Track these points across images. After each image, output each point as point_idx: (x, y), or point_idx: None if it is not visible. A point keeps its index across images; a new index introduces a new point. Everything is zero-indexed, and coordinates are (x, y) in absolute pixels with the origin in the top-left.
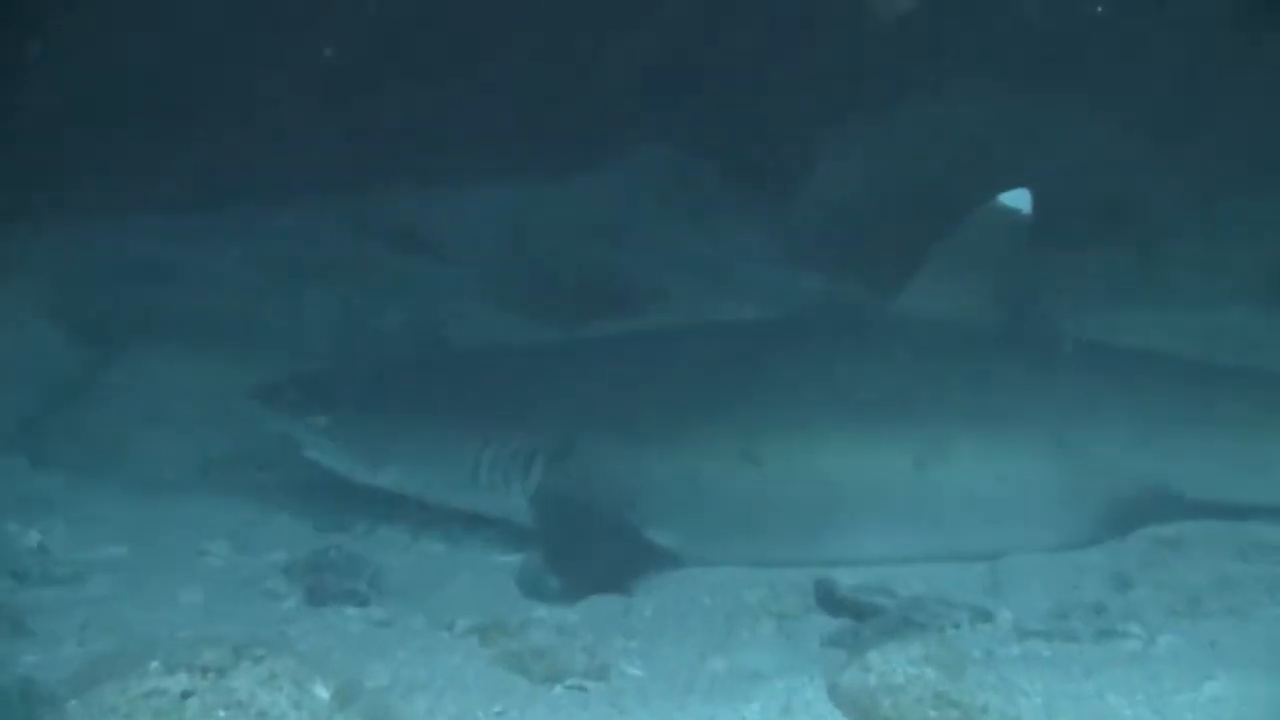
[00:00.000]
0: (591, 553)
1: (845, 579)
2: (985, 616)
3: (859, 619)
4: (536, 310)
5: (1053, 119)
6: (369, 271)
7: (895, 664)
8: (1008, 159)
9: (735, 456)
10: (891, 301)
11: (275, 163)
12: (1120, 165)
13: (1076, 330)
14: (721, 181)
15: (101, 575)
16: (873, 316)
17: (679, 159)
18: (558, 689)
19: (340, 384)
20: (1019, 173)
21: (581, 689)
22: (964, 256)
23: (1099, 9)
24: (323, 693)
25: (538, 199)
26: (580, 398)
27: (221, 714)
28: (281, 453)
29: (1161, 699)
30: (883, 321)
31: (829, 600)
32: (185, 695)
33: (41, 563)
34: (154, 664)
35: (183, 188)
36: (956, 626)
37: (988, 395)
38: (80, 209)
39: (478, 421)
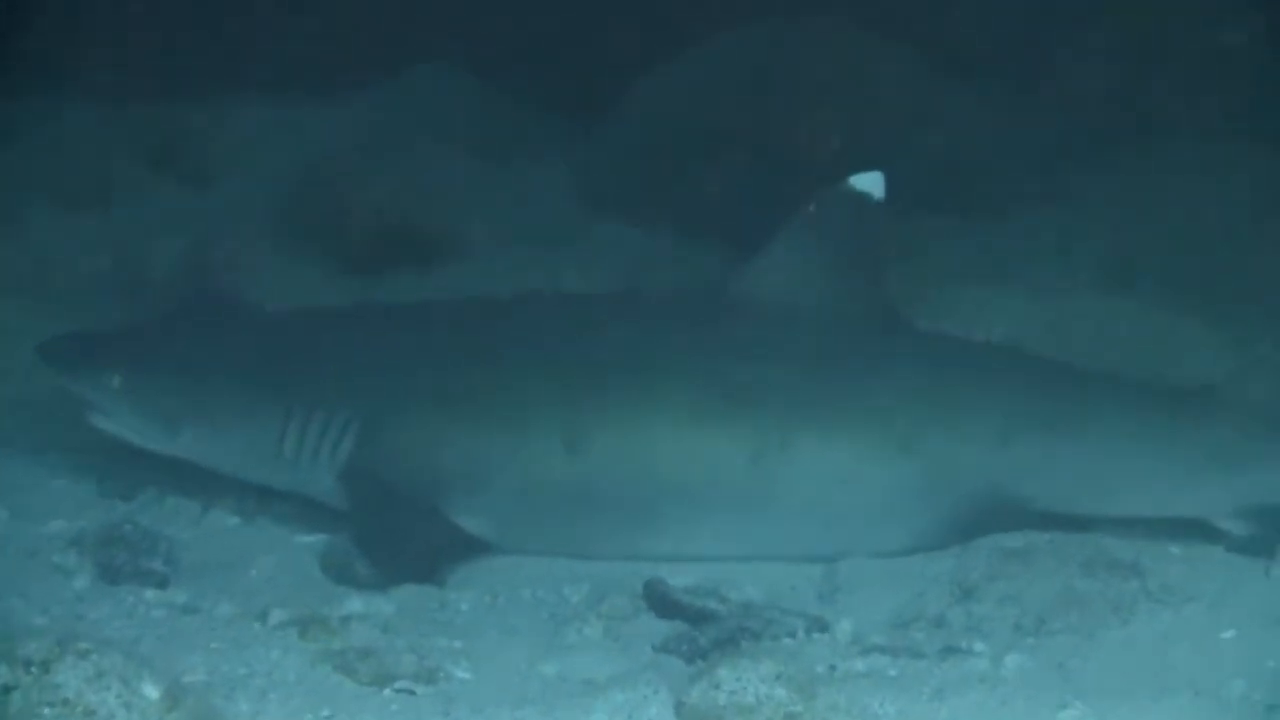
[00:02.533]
0: (402, 538)
1: (675, 579)
2: (822, 626)
3: (692, 624)
4: (323, 254)
5: (882, 65)
6: (132, 199)
7: (746, 682)
8: (829, 106)
9: (560, 440)
10: (731, 281)
11: (25, 61)
12: (958, 124)
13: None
14: (515, 109)
15: None
16: (711, 296)
17: (465, 81)
18: (386, 692)
19: (134, 342)
20: (842, 122)
21: (410, 693)
22: (810, 238)
23: None
24: (152, 692)
25: (311, 121)
26: (395, 369)
27: (47, 711)
28: (55, 407)
29: None
30: (721, 303)
31: (660, 603)
32: (7, 690)
33: None
34: None
35: None
36: (792, 635)
37: (831, 387)
38: None
39: (284, 389)
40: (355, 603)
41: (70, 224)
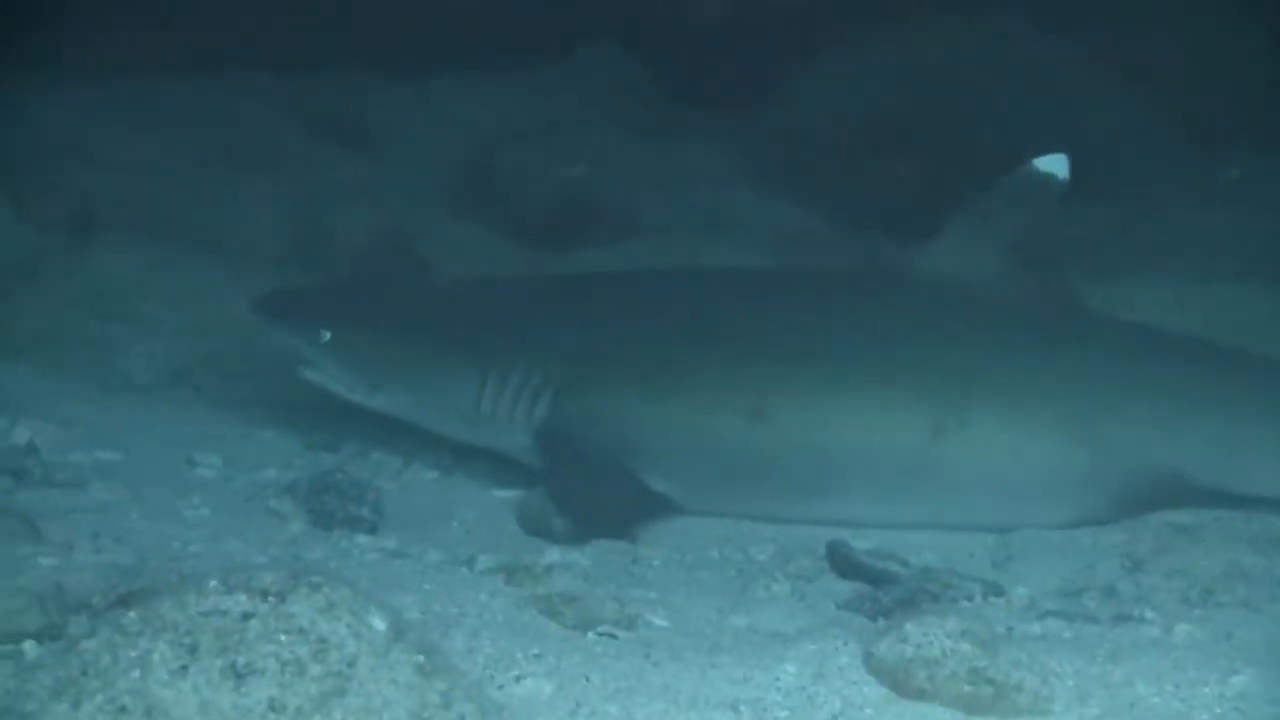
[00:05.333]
0: (595, 496)
1: (855, 543)
2: (997, 591)
3: (873, 584)
4: (505, 228)
5: (1039, 57)
6: (318, 168)
7: (933, 637)
8: (984, 98)
9: (746, 409)
10: (911, 260)
11: (205, 33)
12: (1114, 116)
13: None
14: (676, 92)
15: (99, 481)
16: (896, 275)
17: (628, 64)
18: (590, 635)
19: (343, 299)
20: (992, 112)
21: (613, 637)
22: (993, 219)
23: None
24: (380, 624)
25: (488, 98)
26: (591, 336)
27: (283, 638)
28: (261, 362)
29: (1189, 689)
30: (907, 282)
31: (843, 564)
32: (246, 617)
33: (38, 463)
34: (213, 583)
35: (101, 56)
36: (969, 598)
37: (1009, 367)
38: None
39: (485, 351)
40: (554, 554)
41: (264, 193)
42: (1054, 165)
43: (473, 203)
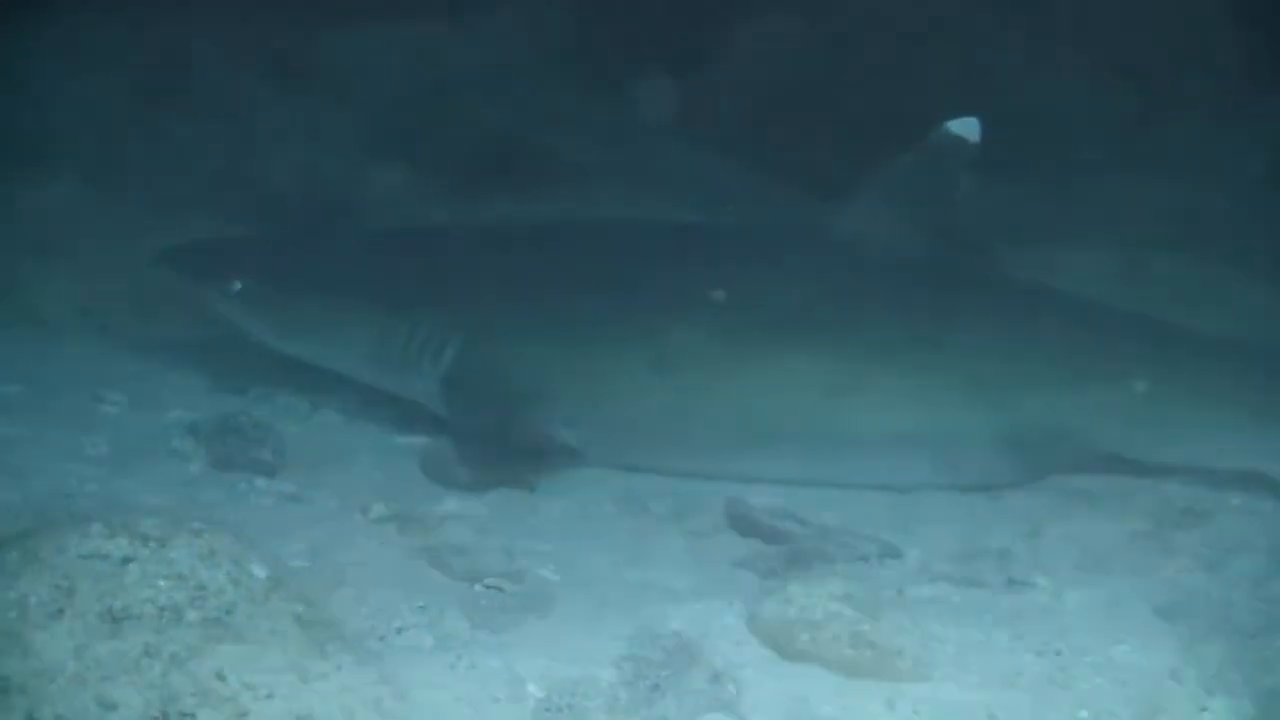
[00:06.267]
0: (498, 445)
1: (753, 500)
2: (893, 553)
3: (769, 543)
4: (431, 171)
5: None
6: (248, 107)
7: (816, 600)
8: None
9: (650, 363)
10: (823, 218)
11: None
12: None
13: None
14: (623, 46)
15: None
16: (802, 232)
17: (576, 14)
18: (476, 587)
19: (253, 249)
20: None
21: (499, 590)
22: (907, 182)
23: None
24: (259, 572)
25: (429, 43)
26: (500, 286)
27: (162, 583)
28: (172, 304)
29: (1071, 658)
30: (818, 240)
31: (740, 522)
32: (126, 561)
33: None
34: (95, 526)
35: None
36: (864, 560)
37: (911, 328)
38: None
39: (394, 298)
40: (451, 503)
41: (194, 132)
42: (965, 129)
43: (400, 148)
